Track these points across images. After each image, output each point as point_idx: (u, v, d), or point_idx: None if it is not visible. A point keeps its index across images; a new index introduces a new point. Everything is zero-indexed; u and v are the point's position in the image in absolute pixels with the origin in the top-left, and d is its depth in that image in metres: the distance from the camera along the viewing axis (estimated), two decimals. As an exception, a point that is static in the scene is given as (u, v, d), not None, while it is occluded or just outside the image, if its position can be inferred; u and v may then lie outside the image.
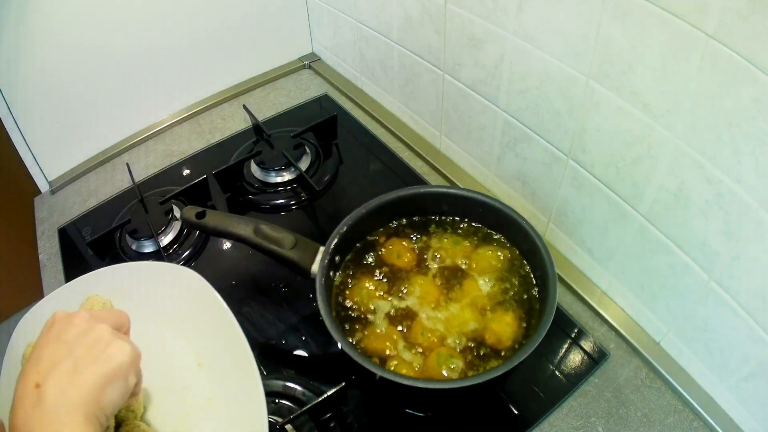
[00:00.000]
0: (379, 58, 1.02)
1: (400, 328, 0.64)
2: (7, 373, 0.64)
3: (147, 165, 1.04)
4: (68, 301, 0.68)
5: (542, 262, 0.63)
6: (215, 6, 1.06)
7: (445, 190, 0.73)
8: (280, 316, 0.78)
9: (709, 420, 0.64)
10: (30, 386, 0.41)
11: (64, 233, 0.94)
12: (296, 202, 0.94)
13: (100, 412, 0.42)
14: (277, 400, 0.68)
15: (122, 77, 1.02)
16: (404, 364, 0.61)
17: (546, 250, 0.63)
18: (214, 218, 0.70)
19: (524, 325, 0.63)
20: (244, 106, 1.09)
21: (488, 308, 0.65)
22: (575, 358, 0.71)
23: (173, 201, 0.93)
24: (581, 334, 0.74)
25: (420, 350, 0.62)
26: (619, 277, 0.73)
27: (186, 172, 1.02)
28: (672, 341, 0.69)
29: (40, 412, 0.40)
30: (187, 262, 0.86)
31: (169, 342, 0.65)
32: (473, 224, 0.73)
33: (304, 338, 0.76)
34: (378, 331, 0.64)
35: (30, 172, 1.01)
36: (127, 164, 0.99)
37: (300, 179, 0.95)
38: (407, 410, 0.67)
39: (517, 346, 0.61)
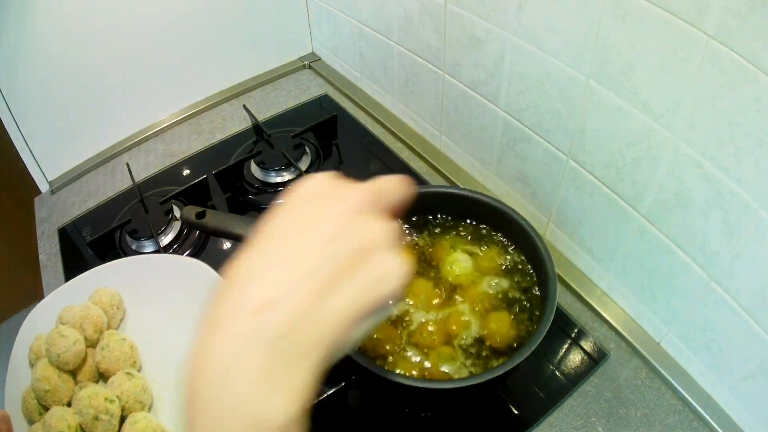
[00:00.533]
0: (379, 58, 1.02)
1: (399, 327, 0.64)
2: (14, 366, 0.64)
3: (147, 165, 1.04)
4: (77, 295, 0.69)
5: (542, 262, 0.63)
6: (215, 6, 1.06)
7: (445, 190, 0.73)
8: (280, 316, 0.78)
9: (709, 420, 0.64)
10: (252, 299, 0.27)
11: (64, 233, 0.94)
12: (296, 202, 0.94)
13: (336, 352, 0.30)
14: (277, 400, 0.68)
15: (122, 77, 1.02)
16: (404, 364, 0.61)
17: (546, 250, 0.63)
18: (214, 218, 0.70)
19: (524, 325, 0.63)
20: (244, 106, 1.09)
21: (488, 308, 0.65)
22: (575, 358, 0.71)
23: (173, 201, 0.93)
24: (581, 334, 0.74)
25: (420, 350, 0.62)
26: (619, 277, 0.73)
27: (186, 172, 1.02)
28: (672, 341, 0.69)
29: (255, 344, 0.27)
30: (187, 262, 0.86)
31: (178, 334, 0.65)
32: (473, 224, 0.73)
33: (304, 338, 0.76)
34: (378, 330, 0.63)
35: (30, 172, 1.01)
36: (127, 164, 0.99)
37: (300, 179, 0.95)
38: (407, 410, 0.67)
39: (517, 346, 0.61)
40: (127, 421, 0.58)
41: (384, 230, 0.31)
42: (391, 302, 0.31)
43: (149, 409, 0.61)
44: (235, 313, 0.27)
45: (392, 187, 0.35)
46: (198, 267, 0.67)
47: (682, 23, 0.49)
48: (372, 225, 0.31)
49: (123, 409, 0.59)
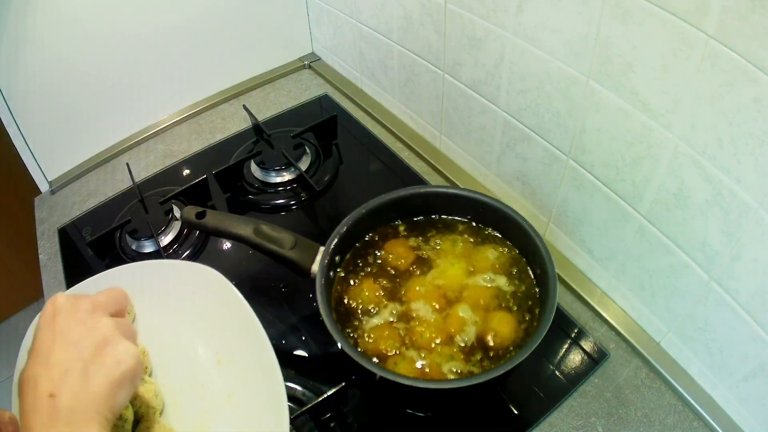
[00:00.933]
0: (379, 58, 1.02)
1: (399, 327, 0.64)
2: (21, 368, 0.64)
3: (147, 165, 1.04)
4: None
5: (542, 262, 0.63)
6: (215, 6, 1.06)
7: (445, 190, 0.73)
8: (280, 316, 0.78)
9: (709, 420, 0.64)
10: (44, 395, 0.41)
11: (64, 233, 0.94)
12: (296, 202, 0.94)
13: (111, 414, 0.43)
14: (277, 400, 0.68)
15: (122, 77, 1.02)
16: (404, 363, 0.61)
17: (546, 250, 0.63)
18: (214, 218, 0.70)
19: (524, 325, 0.63)
20: (244, 106, 1.09)
21: (488, 308, 0.65)
22: (575, 358, 0.71)
23: (173, 201, 0.93)
24: (581, 334, 0.74)
25: (420, 350, 0.62)
26: (619, 277, 0.73)
27: (186, 172, 1.02)
28: (672, 341, 0.69)
29: (57, 423, 0.40)
30: (187, 262, 0.86)
31: (189, 340, 0.65)
32: (473, 224, 0.73)
33: (304, 338, 0.76)
34: (378, 330, 0.64)
35: (30, 172, 1.01)
36: (127, 164, 0.99)
37: (300, 179, 0.95)
38: (407, 410, 0.67)
39: (516, 346, 0.61)
40: (140, 426, 0.58)
41: (108, 327, 0.46)
42: (138, 373, 0.46)
43: (161, 414, 0.61)
44: (37, 403, 0.41)
45: (113, 297, 0.51)
46: (206, 273, 0.67)
47: (682, 23, 0.49)
48: (103, 323, 0.46)
49: (135, 415, 0.59)
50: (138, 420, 0.59)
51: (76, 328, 0.45)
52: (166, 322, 0.68)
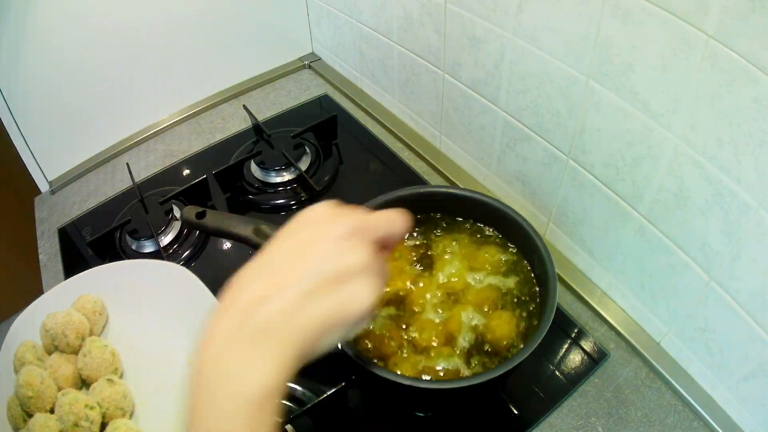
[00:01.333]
0: (379, 58, 1.02)
1: (400, 327, 0.64)
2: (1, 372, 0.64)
3: (147, 165, 1.04)
4: (60, 303, 0.69)
5: (542, 262, 0.63)
6: (215, 6, 1.06)
7: (445, 190, 0.73)
8: (280, 316, 0.78)
9: (709, 420, 0.64)
10: (250, 296, 0.35)
11: (64, 233, 0.94)
12: (296, 202, 0.94)
13: (305, 354, 0.35)
14: (277, 400, 0.68)
15: (122, 77, 1.02)
16: (404, 364, 0.61)
17: (546, 250, 0.63)
18: (214, 218, 0.70)
19: (524, 325, 0.63)
20: (244, 106, 1.09)
21: (488, 308, 0.65)
22: (575, 358, 0.71)
23: (173, 201, 0.93)
24: (581, 334, 0.74)
25: (420, 350, 0.62)
26: (619, 277, 0.73)
27: (186, 172, 1.02)
28: (672, 341, 0.69)
29: (243, 331, 0.34)
30: (187, 263, 0.86)
31: (160, 340, 0.65)
32: (473, 224, 0.73)
33: (304, 338, 0.76)
34: (378, 330, 0.64)
35: (30, 172, 1.01)
36: (127, 164, 0.99)
37: (300, 179, 0.95)
38: (407, 410, 0.67)
39: (517, 346, 0.61)
40: (108, 427, 0.58)
41: (363, 259, 0.36)
42: (361, 322, 0.37)
43: (130, 416, 0.61)
44: (232, 307, 0.35)
45: (388, 221, 0.40)
46: (180, 273, 0.67)
47: (682, 23, 0.49)
48: (354, 253, 0.36)
49: (104, 416, 0.59)
50: (106, 422, 0.59)
51: (325, 245, 0.37)
52: (139, 323, 0.69)
